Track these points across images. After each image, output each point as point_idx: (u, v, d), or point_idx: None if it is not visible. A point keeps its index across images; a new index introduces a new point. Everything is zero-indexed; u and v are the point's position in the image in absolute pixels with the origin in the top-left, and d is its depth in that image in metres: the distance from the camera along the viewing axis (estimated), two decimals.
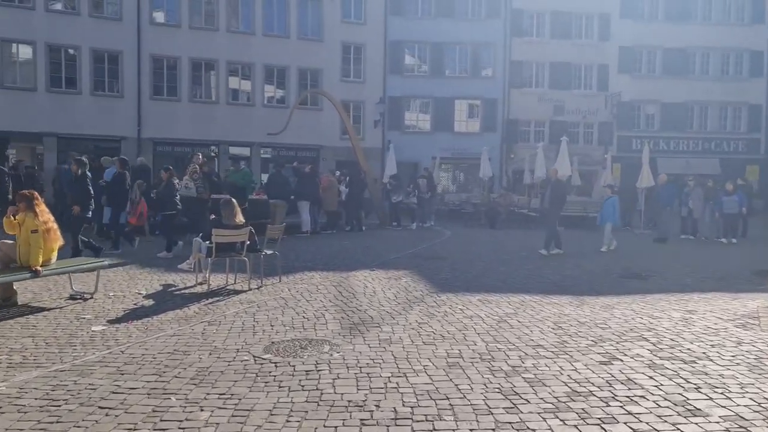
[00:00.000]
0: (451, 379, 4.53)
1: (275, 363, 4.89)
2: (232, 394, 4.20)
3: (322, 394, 4.23)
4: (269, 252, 8.66)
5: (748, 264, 11.45)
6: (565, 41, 31.51)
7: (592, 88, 32.01)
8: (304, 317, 6.48)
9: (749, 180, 29.82)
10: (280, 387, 4.36)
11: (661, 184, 16.88)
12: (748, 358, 5.08)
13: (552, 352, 5.27)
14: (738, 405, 4.05)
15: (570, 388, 4.37)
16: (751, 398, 4.17)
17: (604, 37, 31.76)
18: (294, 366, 4.82)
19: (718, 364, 4.90)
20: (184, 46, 28.23)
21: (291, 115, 19.10)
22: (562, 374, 4.66)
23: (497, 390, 4.32)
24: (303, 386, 4.37)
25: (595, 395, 4.22)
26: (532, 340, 5.67)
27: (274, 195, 13.70)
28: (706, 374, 4.65)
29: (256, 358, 5.01)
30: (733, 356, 5.12)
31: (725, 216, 15.94)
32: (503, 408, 3.98)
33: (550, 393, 4.26)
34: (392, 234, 16.31)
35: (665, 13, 31.89)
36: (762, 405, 4.05)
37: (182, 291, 7.93)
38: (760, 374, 4.66)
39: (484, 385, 4.42)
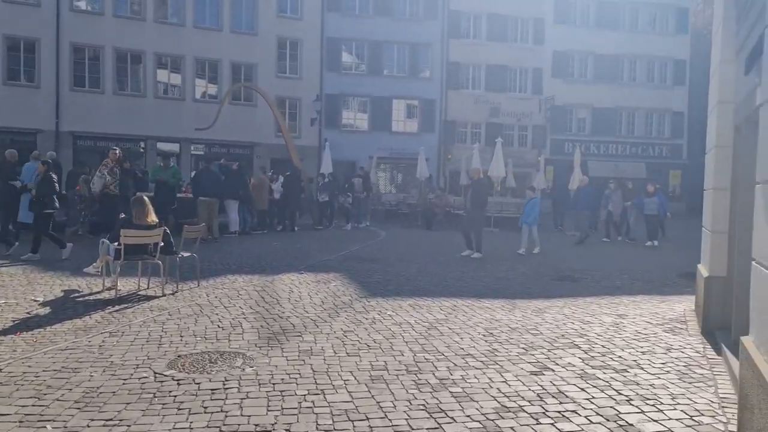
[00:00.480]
0: (373, 396, 4.15)
1: (178, 380, 4.37)
2: (120, 420, 3.67)
3: (226, 417, 3.76)
4: (186, 254, 8.05)
5: (673, 266, 11.65)
6: (501, 44, 31.88)
7: (526, 92, 32.52)
8: (219, 326, 5.96)
9: (673, 184, 31.12)
10: (179, 409, 3.86)
11: (581, 187, 16.58)
12: (678, 365, 4.95)
13: (481, 362, 4.98)
14: (670, 419, 3.85)
15: (499, 403, 4.07)
16: (682, 410, 4.00)
17: (539, 41, 32.33)
18: (199, 384, 4.32)
19: (649, 373, 4.73)
20: (108, 36, 26.77)
21: (220, 109, 18.37)
22: (491, 387, 4.37)
23: (422, 407, 3.97)
24: (206, 408, 3.89)
25: (525, 411, 3.94)
26: (462, 348, 5.37)
27: (202, 193, 12.95)
28: (638, 384, 4.46)
29: (157, 375, 4.48)
30: (663, 364, 4.98)
31: (646, 218, 15.89)
32: (427, 429, 3.63)
33: (477, 409, 3.95)
34: (325, 235, 15.85)
35: (596, 21, 32.79)
36: (693, 418, 3.88)
37: (86, 297, 7.22)
38: (690, 383, 4.52)
39: (408, 401, 4.07)
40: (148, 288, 7.79)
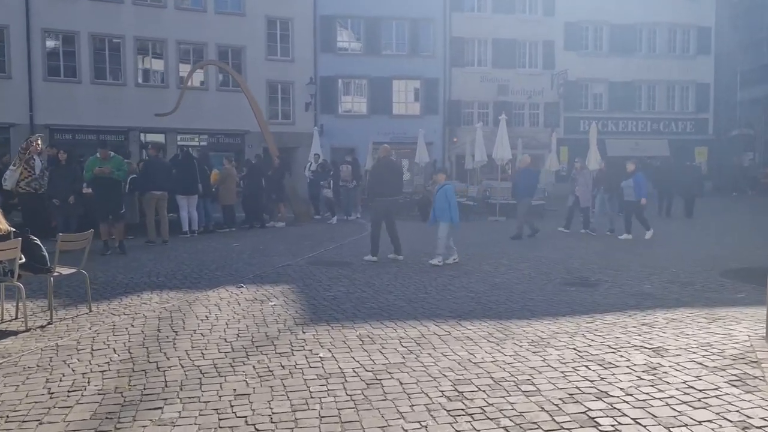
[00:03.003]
0: None
1: None
2: None
3: None
4: (69, 271, 6.08)
5: (711, 261, 9.49)
6: (509, 16, 29.50)
7: (537, 67, 30.14)
8: (49, 392, 3.97)
9: (698, 161, 28.52)
10: None
11: (520, 168, 13.04)
12: None
13: None
14: None
15: None
16: None
17: (549, 12, 29.88)
18: None
19: None
20: (83, 20, 24.89)
21: (183, 93, 16.44)
22: None
23: None
24: None
25: None
26: (406, 430, 3.33)
27: (150, 187, 10.94)
28: None
29: None
30: None
31: (624, 204, 12.71)
32: None
33: None
34: (303, 231, 13.81)
35: None
36: None
37: None
38: None
39: None
40: (14, 318, 5.84)
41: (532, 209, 13.40)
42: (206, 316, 5.93)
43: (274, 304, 6.48)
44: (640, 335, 5.23)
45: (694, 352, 4.67)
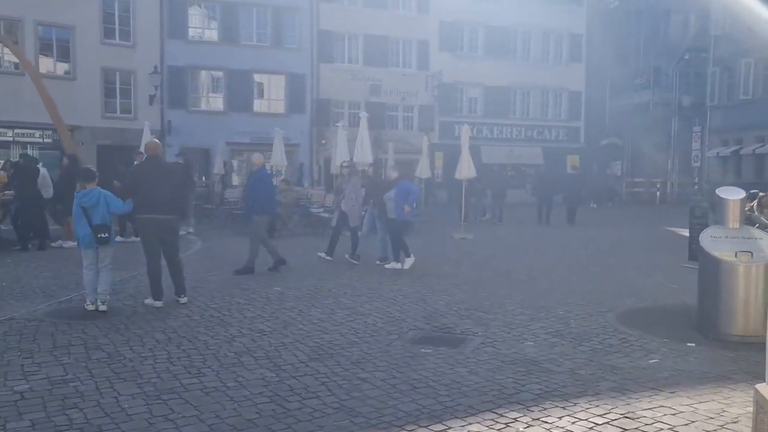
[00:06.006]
0: None
1: None
2: None
3: None
4: None
5: (603, 297, 7.56)
6: (381, 11, 27.45)
7: (411, 67, 28.37)
8: None
9: (575, 166, 27.86)
10: None
11: (253, 171, 9.71)
12: None
13: None
14: None
15: None
16: None
17: (423, 10, 28.22)
18: None
19: None
20: None
21: None
22: None
23: None
24: None
25: None
26: None
27: None
28: None
29: None
30: None
31: (388, 223, 9.65)
32: None
33: None
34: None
35: None
36: None
37: None
38: None
39: None
40: None
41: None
42: None
43: None
44: None
45: None
